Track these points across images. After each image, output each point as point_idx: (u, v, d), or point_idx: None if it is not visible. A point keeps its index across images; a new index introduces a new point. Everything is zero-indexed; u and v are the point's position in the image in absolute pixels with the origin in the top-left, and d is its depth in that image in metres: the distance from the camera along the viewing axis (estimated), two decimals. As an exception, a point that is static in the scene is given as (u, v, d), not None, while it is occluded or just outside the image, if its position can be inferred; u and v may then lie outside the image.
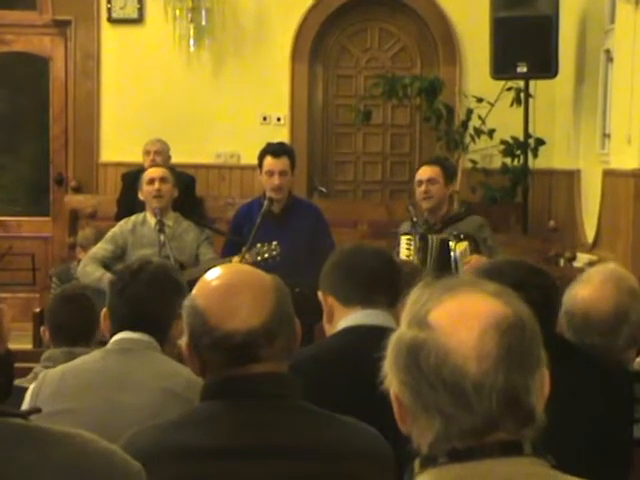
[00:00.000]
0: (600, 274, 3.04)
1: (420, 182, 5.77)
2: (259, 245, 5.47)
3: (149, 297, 2.95)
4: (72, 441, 1.47)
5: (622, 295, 2.97)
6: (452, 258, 5.48)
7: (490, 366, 1.50)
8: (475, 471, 1.50)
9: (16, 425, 1.46)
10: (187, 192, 6.98)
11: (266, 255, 5.41)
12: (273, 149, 5.97)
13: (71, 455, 1.45)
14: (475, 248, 5.52)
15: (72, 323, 4.02)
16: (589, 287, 3.00)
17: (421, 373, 1.50)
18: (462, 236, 5.54)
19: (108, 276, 5.38)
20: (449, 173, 5.89)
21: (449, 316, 1.53)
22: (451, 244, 5.50)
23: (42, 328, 4.25)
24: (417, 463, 1.55)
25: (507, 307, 1.55)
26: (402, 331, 1.56)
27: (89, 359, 2.94)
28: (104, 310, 3.03)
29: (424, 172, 5.81)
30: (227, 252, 5.80)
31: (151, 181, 5.92)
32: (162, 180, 5.92)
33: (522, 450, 1.53)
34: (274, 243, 5.45)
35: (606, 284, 2.99)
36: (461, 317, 1.53)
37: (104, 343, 3.04)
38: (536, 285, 2.71)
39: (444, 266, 5.41)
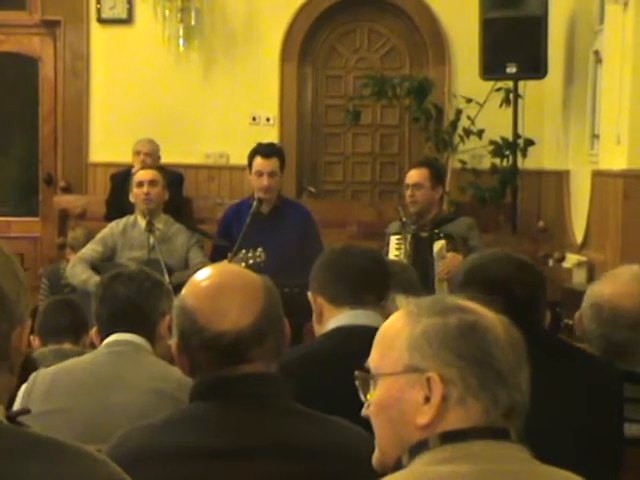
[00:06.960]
0: (627, 272, 3.12)
1: (407, 186, 5.81)
2: (244, 251, 5.47)
3: (128, 295, 2.96)
4: (81, 462, 1.45)
5: None
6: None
7: (514, 346, 1.65)
8: (469, 451, 1.55)
9: (27, 435, 1.44)
10: (173, 190, 6.94)
11: (250, 261, 5.41)
12: (263, 150, 5.98)
13: (78, 476, 1.43)
14: (453, 247, 5.56)
15: (57, 319, 4.07)
16: (618, 283, 3.07)
17: (486, 346, 1.61)
18: (441, 235, 5.59)
19: (94, 279, 5.41)
20: (437, 175, 5.90)
21: (473, 304, 1.67)
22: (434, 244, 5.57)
23: (31, 337, 4.26)
24: (405, 454, 1.57)
25: None
26: (434, 320, 1.62)
27: (81, 360, 2.94)
28: (94, 329, 3.05)
29: (411, 177, 5.84)
30: (214, 257, 5.81)
31: (140, 184, 5.91)
32: (151, 183, 5.91)
33: (509, 436, 1.59)
34: (259, 249, 5.46)
35: (635, 281, 3.06)
36: (479, 306, 1.67)
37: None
38: (522, 281, 2.72)
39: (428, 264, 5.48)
